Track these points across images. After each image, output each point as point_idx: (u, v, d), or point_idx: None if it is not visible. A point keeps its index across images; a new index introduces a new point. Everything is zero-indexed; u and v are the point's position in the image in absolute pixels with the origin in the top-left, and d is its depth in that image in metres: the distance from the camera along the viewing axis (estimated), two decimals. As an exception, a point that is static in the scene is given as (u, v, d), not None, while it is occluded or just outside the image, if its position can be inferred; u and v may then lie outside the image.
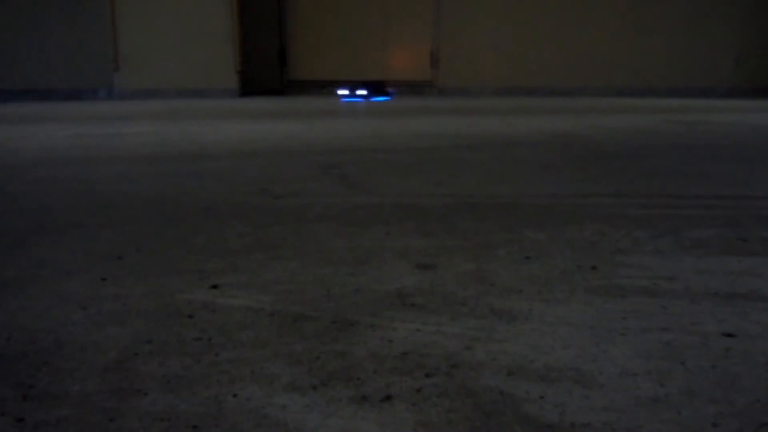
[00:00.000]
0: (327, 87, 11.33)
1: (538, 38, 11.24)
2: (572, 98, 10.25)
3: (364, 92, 9.87)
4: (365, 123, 5.56)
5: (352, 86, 10.31)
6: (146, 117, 6.36)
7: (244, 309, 1.20)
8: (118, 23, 10.01)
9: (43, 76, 10.00)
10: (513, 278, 1.37)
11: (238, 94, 10.32)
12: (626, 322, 1.13)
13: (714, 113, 6.82)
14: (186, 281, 1.35)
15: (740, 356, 1.00)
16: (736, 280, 1.36)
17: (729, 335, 1.08)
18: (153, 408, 0.85)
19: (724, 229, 1.78)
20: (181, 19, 10.14)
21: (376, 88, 10.24)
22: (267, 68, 11.21)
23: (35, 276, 1.39)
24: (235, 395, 0.88)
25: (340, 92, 10.20)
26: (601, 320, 1.14)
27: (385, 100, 9.62)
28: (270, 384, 0.91)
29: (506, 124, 5.44)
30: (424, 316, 1.16)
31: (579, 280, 1.36)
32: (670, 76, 11.27)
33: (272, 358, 0.99)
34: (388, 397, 0.87)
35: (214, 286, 1.32)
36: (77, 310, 1.19)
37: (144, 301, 1.24)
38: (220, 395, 0.88)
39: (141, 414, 0.83)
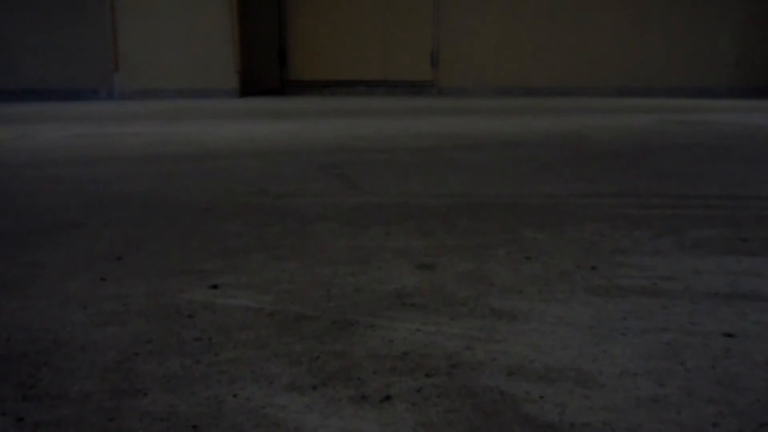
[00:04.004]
0: (327, 87, 11.33)
1: (538, 38, 11.23)
2: (572, 98, 10.25)
3: None
4: (365, 123, 5.56)
5: None
6: (146, 117, 6.36)
7: (244, 309, 1.20)
8: (118, 23, 10.01)
9: (43, 76, 9.99)
10: (513, 278, 1.37)
11: (238, 94, 10.32)
12: (626, 322, 1.13)
13: (714, 113, 6.81)
14: (186, 281, 1.35)
15: (740, 356, 1.00)
16: (736, 280, 1.36)
17: (729, 335, 1.08)
18: (153, 408, 0.85)
19: (724, 229, 1.78)
20: (181, 19, 10.14)
21: None
22: (267, 68, 11.21)
23: (35, 276, 1.39)
24: (235, 395, 0.88)
25: None
26: (601, 320, 1.14)
27: None
28: (270, 384, 0.91)
29: (506, 124, 5.44)
30: (424, 316, 1.16)
31: (579, 280, 1.36)
32: (670, 76, 11.26)
33: (272, 358, 0.99)
34: (388, 397, 0.88)
35: (214, 286, 1.32)
36: (77, 310, 1.19)
37: (144, 301, 1.24)
38: (220, 395, 0.88)
39: (141, 414, 0.83)
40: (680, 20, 11.23)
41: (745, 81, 11.27)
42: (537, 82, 11.12)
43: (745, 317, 1.16)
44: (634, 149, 3.68)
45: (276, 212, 2.02)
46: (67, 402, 0.86)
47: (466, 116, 6.40)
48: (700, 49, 11.24)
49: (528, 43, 11.22)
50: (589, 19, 11.19)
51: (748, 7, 11.28)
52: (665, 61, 11.26)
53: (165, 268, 1.45)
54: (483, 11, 11.19)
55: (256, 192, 2.36)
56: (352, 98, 10.28)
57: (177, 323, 1.13)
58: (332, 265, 1.46)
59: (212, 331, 1.10)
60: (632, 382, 0.92)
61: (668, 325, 1.12)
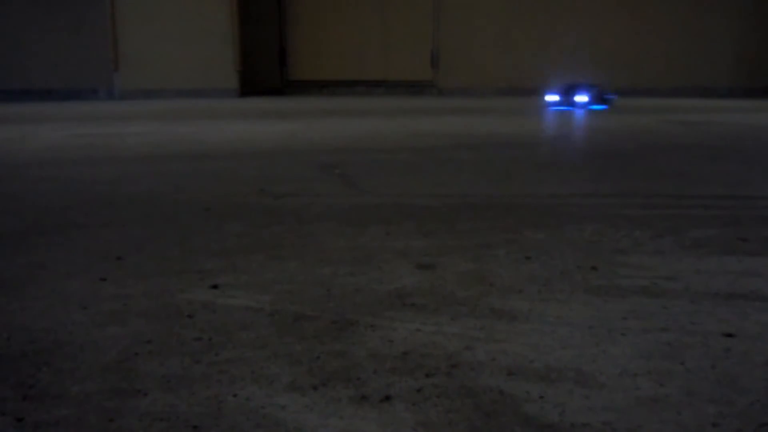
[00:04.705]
0: (327, 87, 11.33)
1: (538, 38, 11.23)
2: (572, 98, 10.24)
3: (585, 98, 7.35)
4: (365, 123, 5.56)
5: (567, 88, 7.54)
6: (146, 117, 6.36)
7: (244, 309, 1.20)
8: (118, 23, 10.00)
9: (43, 76, 9.99)
10: (513, 278, 1.37)
11: (238, 94, 10.32)
12: (626, 322, 1.13)
13: (714, 113, 6.82)
14: (186, 281, 1.35)
15: (740, 356, 1.00)
16: (736, 280, 1.36)
17: (729, 335, 1.08)
18: (153, 408, 0.85)
19: (724, 229, 1.78)
20: (181, 20, 10.13)
21: (593, 92, 7.43)
22: (267, 68, 11.21)
23: (35, 276, 1.39)
24: (235, 395, 0.88)
25: (549, 98, 7.67)
26: (601, 320, 1.14)
27: (601, 109, 7.16)
28: (270, 384, 0.91)
29: (506, 123, 5.44)
30: (424, 316, 1.16)
31: (579, 280, 1.36)
32: (670, 76, 11.26)
33: (272, 358, 0.99)
34: (388, 397, 0.88)
35: (214, 286, 1.32)
36: (77, 310, 1.19)
37: (144, 301, 1.24)
38: (220, 395, 0.88)
39: (141, 414, 0.83)
40: (680, 20, 11.23)
41: (745, 81, 11.27)
42: (537, 82, 11.12)
43: (745, 317, 1.16)
44: (635, 149, 3.68)
45: (276, 212, 2.02)
46: (67, 402, 0.86)
47: (465, 116, 6.40)
48: (700, 49, 11.24)
49: (528, 43, 11.22)
50: (590, 19, 11.19)
51: (747, 8, 11.28)
52: (665, 61, 11.26)
53: (165, 268, 1.45)
54: (483, 11, 11.19)
55: (256, 192, 2.36)
56: (352, 98, 10.28)
57: (177, 323, 1.13)
58: (332, 265, 1.46)
59: (212, 331, 1.10)
60: (632, 382, 0.92)
61: (668, 325, 1.12)
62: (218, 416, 0.83)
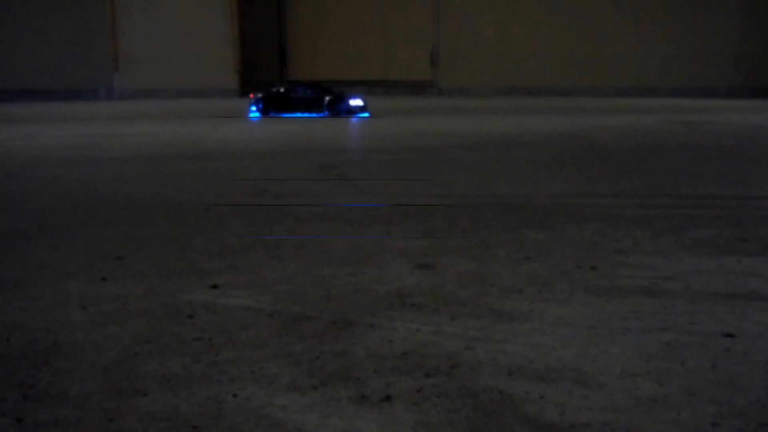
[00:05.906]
0: (327, 87, 11.33)
1: (538, 38, 11.24)
2: (572, 98, 10.25)
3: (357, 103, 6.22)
4: (364, 123, 5.57)
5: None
6: (146, 117, 6.36)
7: (244, 309, 1.20)
8: (118, 23, 10.01)
9: (43, 76, 9.99)
10: (513, 278, 1.37)
11: (238, 94, 10.32)
12: (626, 322, 1.14)
13: (714, 113, 6.82)
14: (186, 281, 1.35)
15: (740, 356, 1.01)
16: (736, 280, 1.36)
17: (729, 335, 1.08)
18: (153, 408, 0.85)
19: (724, 229, 1.78)
20: (181, 20, 10.14)
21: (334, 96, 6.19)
22: (267, 68, 11.21)
23: (35, 276, 1.39)
24: (235, 395, 0.88)
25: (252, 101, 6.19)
26: (601, 320, 1.15)
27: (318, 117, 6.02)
28: (270, 384, 0.91)
29: (506, 123, 5.44)
30: (424, 316, 1.16)
31: (579, 280, 1.36)
32: (670, 76, 11.26)
33: (272, 358, 1.00)
34: (388, 397, 0.88)
35: (214, 286, 1.32)
36: (77, 310, 1.19)
37: (144, 301, 1.24)
38: (220, 395, 0.88)
39: (141, 414, 0.84)
40: (680, 20, 11.23)
41: (745, 81, 11.27)
42: (537, 82, 11.11)
43: (745, 317, 1.16)
44: (634, 149, 3.68)
45: (276, 212, 2.02)
46: (67, 402, 0.87)
47: (466, 116, 6.40)
48: (700, 49, 11.24)
49: (528, 43, 11.22)
50: (589, 20, 11.19)
51: (747, 8, 11.28)
52: (665, 61, 11.26)
53: (165, 268, 1.45)
54: (483, 11, 11.19)
55: (256, 192, 2.36)
56: (352, 98, 10.27)
57: (177, 323, 1.13)
58: (332, 265, 1.46)
59: (212, 331, 1.10)
60: (632, 382, 0.92)
61: (668, 325, 1.13)
62: (218, 416, 0.83)
